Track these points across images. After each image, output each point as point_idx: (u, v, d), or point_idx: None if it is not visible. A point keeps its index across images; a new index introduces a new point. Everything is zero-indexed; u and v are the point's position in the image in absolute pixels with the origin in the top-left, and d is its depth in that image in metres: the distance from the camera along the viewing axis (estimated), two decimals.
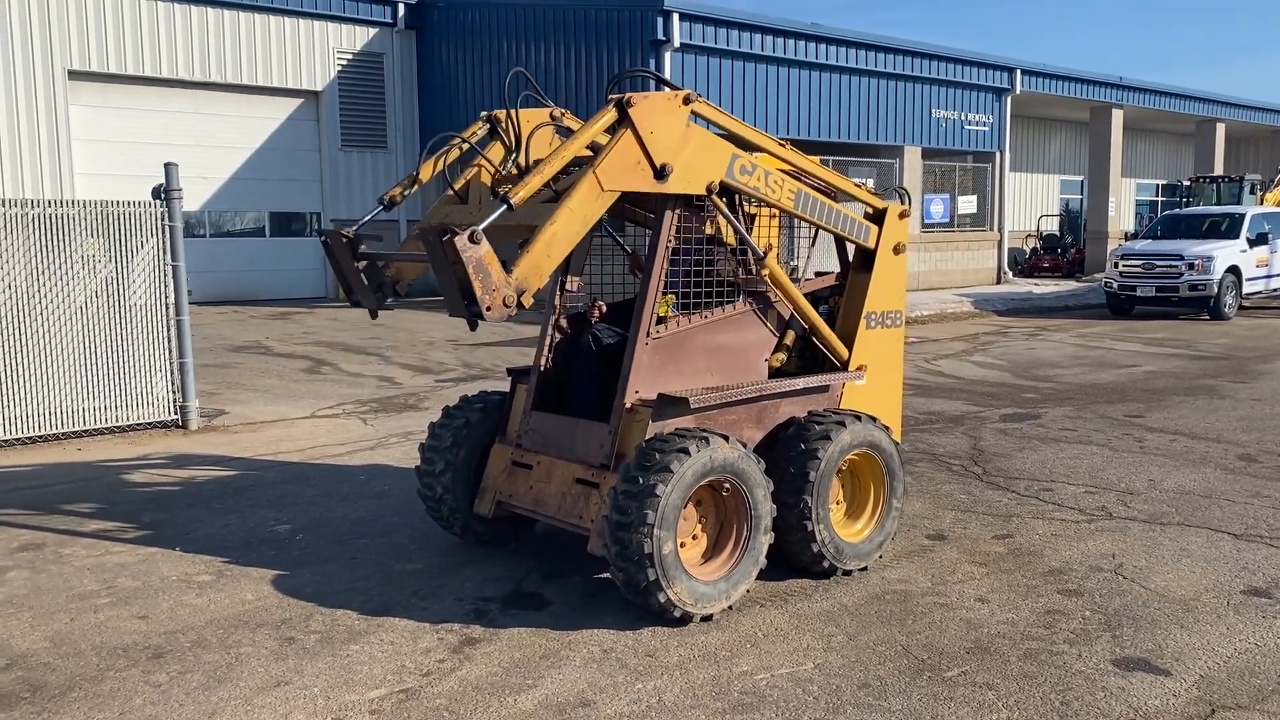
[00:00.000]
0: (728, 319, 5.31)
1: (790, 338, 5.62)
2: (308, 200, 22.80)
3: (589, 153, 4.76)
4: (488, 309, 4.11)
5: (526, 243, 4.32)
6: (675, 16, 17.53)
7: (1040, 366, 12.67)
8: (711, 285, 5.30)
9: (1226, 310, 18.19)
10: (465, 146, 5.35)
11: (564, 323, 5.69)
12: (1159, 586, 5.06)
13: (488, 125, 5.40)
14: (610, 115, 4.67)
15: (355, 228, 5.24)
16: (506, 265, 4.19)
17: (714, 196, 5.01)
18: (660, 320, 5.07)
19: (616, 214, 5.66)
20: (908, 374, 12.03)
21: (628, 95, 4.70)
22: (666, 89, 4.92)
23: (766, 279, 5.29)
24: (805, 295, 5.63)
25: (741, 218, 5.90)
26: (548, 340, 5.62)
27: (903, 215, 5.90)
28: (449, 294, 4.20)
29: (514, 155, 5.11)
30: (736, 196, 5.75)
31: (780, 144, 5.47)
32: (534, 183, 4.45)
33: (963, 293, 21.79)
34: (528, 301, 4.27)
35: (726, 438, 4.73)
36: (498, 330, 15.77)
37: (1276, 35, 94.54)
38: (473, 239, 4.05)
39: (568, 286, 5.70)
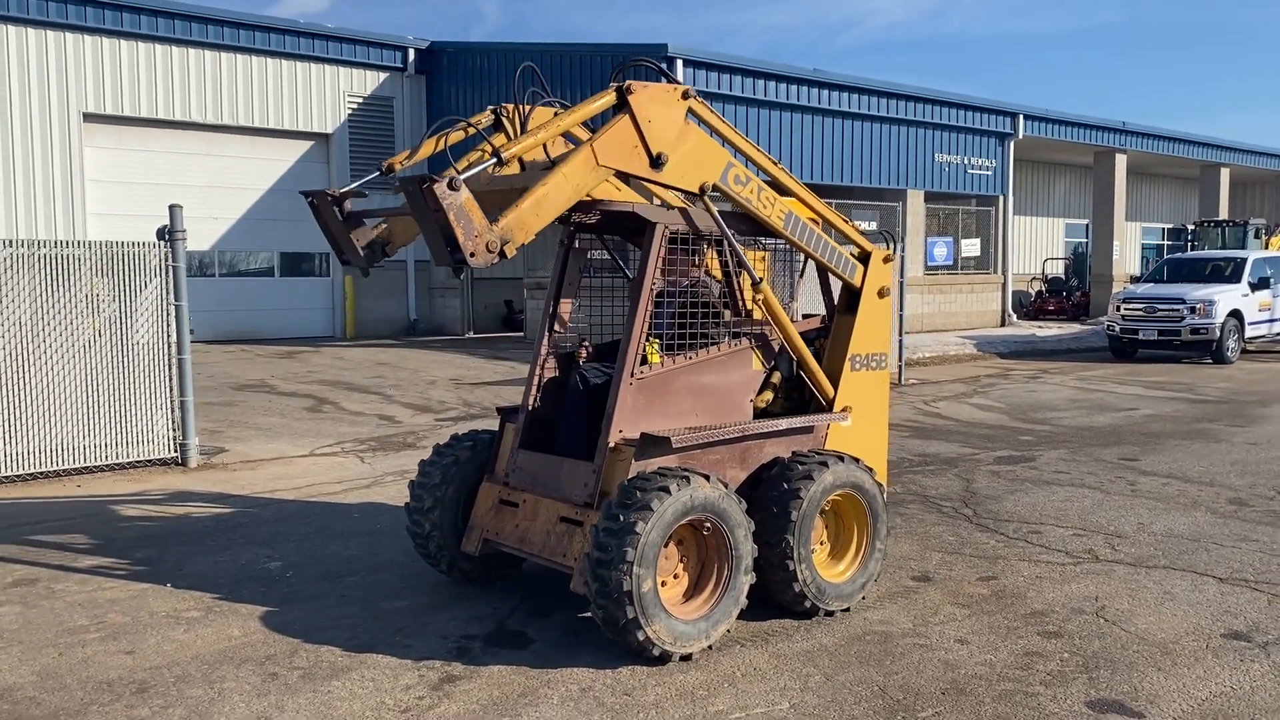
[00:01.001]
0: (712, 360, 5.39)
1: (776, 378, 5.70)
2: (316, 240, 22.77)
3: (587, 132, 4.88)
4: (471, 254, 4.17)
5: (516, 200, 4.40)
6: (680, 63, 17.82)
7: (1039, 409, 12.70)
8: (696, 326, 5.39)
9: (1229, 354, 18.20)
10: (470, 130, 5.43)
11: (552, 363, 5.77)
12: (1139, 629, 5.08)
13: (494, 116, 5.52)
14: (609, 98, 4.80)
15: (345, 189, 5.30)
16: (493, 218, 4.24)
17: (706, 198, 5.11)
18: (645, 361, 5.16)
19: (610, 232, 5.78)
20: (906, 416, 12.07)
21: (628, 83, 4.82)
22: (666, 81, 5.06)
23: (760, 304, 5.37)
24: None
25: (731, 257, 6.02)
26: (536, 380, 5.70)
27: (887, 259, 5.99)
28: (433, 243, 4.24)
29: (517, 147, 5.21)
30: (728, 243, 5.87)
31: (773, 162, 5.58)
32: (527, 143, 4.59)
33: (966, 335, 21.84)
34: (510, 252, 4.32)
35: (707, 477, 4.79)
36: (500, 369, 15.89)
37: None
38: (452, 186, 4.11)
39: (555, 327, 5.80)
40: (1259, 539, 6.70)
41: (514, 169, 5.10)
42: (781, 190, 5.61)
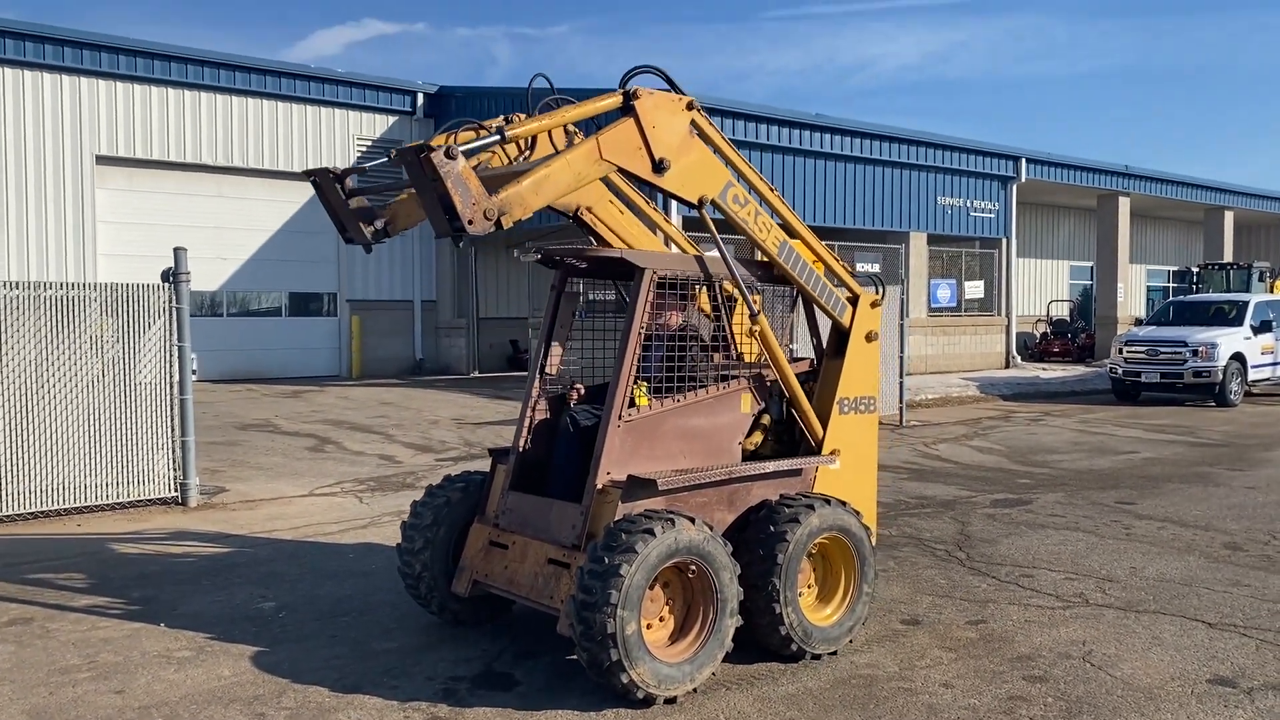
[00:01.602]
0: (701, 402, 5.45)
1: (766, 420, 5.76)
2: (325, 280, 23.29)
3: (594, 127, 5.02)
4: (469, 222, 4.27)
5: (516, 177, 4.51)
6: None
7: (1038, 452, 12.70)
8: (685, 370, 5.45)
9: (1232, 397, 18.18)
10: (481, 132, 5.50)
11: (543, 405, 5.84)
12: (1125, 674, 5.08)
13: (504, 121, 5.61)
14: (616, 100, 4.94)
15: (347, 167, 5.37)
16: (490, 189, 4.35)
17: (703, 211, 5.23)
18: (633, 403, 5.22)
19: (600, 276, 5.89)
20: (906, 457, 12.10)
21: (635, 88, 4.98)
22: (673, 90, 5.21)
23: (756, 337, 5.46)
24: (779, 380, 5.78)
25: (722, 300, 6.11)
26: (527, 421, 5.77)
27: (874, 304, 6.07)
28: (433, 213, 4.34)
29: (526, 154, 5.32)
30: (718, 287, 5.96)
31: (769, 187, 5.69)
32: (531, 126, 4.71)
33: (969, 377, 21.86)
34: (506, 223, 4.42)
35: (693, 520, 4.84)
36: (502, 409, 15.96)
37: None
38: (448, 154, 4.22)
39: (548, 369, 5.87)
40: (1251, 584, 6.70)
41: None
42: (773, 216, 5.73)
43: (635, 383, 5.26)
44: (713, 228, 5.31)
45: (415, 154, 4.26)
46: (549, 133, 5.40)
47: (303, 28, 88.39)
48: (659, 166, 4.98)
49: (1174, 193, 29.72)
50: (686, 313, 5.72)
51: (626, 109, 4.91)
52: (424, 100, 23.88)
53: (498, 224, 4.37)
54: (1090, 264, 32.39)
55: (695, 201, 5.21)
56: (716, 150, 5.39)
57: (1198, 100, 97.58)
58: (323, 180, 5.24)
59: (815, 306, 5.94)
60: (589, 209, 5.67)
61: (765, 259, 5.71)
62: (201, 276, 20.01)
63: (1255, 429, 15.08)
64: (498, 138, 4.61)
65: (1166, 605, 6.23)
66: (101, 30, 25.66)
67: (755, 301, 6.10)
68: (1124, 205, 27.85)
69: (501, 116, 5.66)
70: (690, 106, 5.16)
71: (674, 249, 6.26)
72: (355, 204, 5.28)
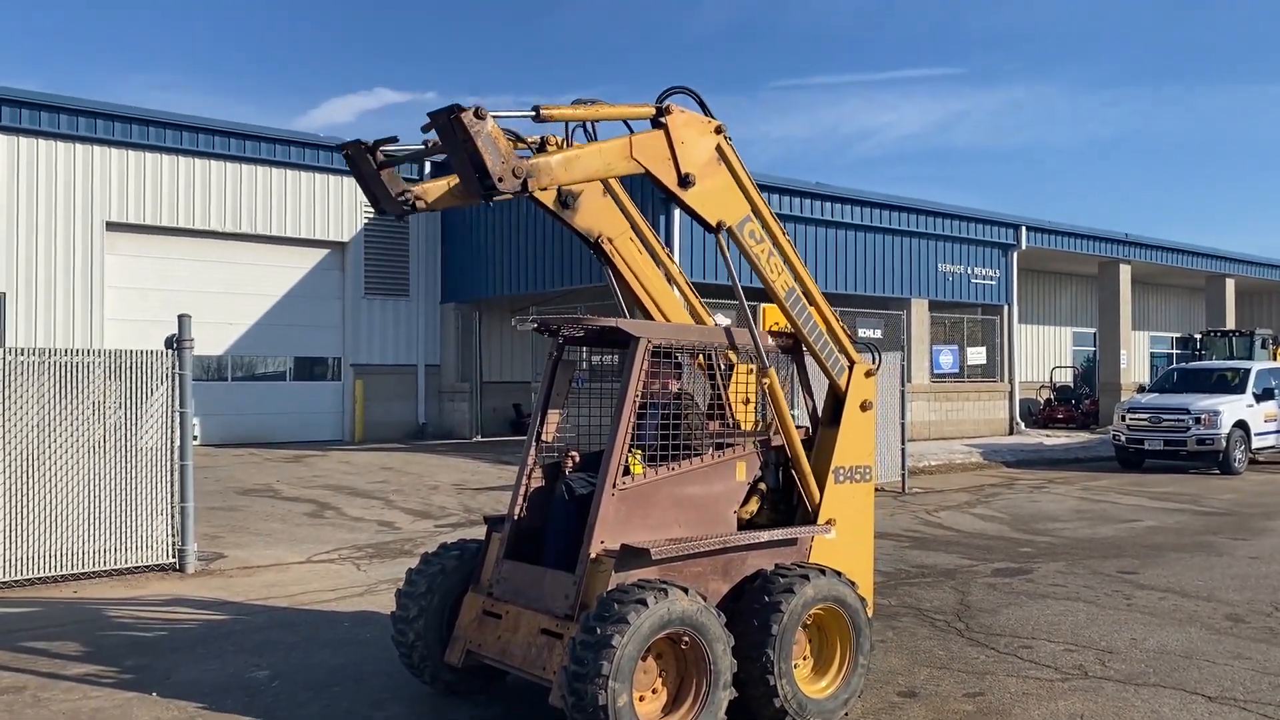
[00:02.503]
0: (696, 470, 5.47)
1: (762, 488, 5.77)
2: (330, 345, 23.43)
3: (625, 126, 5.23)
4: (499, 180, 4.46)
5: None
6: None
7: (1041, 520, 12.64)
8: (680, 438, 5.49)
9: (1236, 465, 18.12)
10: (518, 145, 5.57)
11: (539, 472, 5.87)
12: None
13: (540, 141, 5.72)
14: (648, 110, 5.15)
15: (379, 139, 5.43)
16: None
17: (720, 236, 5.40)
18: (628, 471, 5.24)
19: (596, 344, 5.97)
20: (907, 525, 12.04)
21: (667, 104, 5.21)
22: (703, 113, 5.41)
23: (765, 388, 5.52)
24: (775, 448, 5.81)
25: (718, 367, 6.17)
26: (522, 489, 5.79)
27: (868, 374, 6.11)
28: (463, 172, 4.52)
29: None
30: (715, 355, 6.03)
31: (781, 230, 5.78)
32: (566, 111, 4.87)
33: (973, 443, 21.81)
34: (532, 186, 4.62)
35: (686, 590, 4.83)
36: (504, 474, 15.94)
37: None
38: (478, 114, 4.39)
39: (544, 437, 5.90)
40: (1252, 656, 6.63)
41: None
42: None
43: (630, 451, 5.29)
44: (727, 256, 5.43)
45: (447, 115, 4.44)
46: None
47: (315, 96, 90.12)
48: (684, 181, 5.19)
49: (1175, 260, 29.92)
50: (682, 381, 5.77)
51: (657, 123, 5.14)
52: (431, 167, 24.18)
53: (524, 186, 4.56)
54: (1093, 330, 32.49)
55: (714, 224, 5.38)
56: (738, 182, 5.57)
57: (1198, 169, 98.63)
58: (355, 152, 5.34)
59: (814, 362, 5.98)
60: (610, 240, 5.86)
61: (773, 302, 5.78)
62: (208, 341, 20.23)
63: (1259, 497, 15.00)
64: (532, 113, 4.77)
65: (1167, 678, 6.17)
66: (116, 99, 26.19)
67: (745, 381, 6.18)
68: (1125, 272, 28.02)
69: (537, 136, 5.77)
70: (719, 131, 5.38)
71: (677, 293, 6.33)
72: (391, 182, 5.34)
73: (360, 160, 5.32)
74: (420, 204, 5.40)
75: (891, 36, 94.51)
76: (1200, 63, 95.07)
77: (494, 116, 4.49)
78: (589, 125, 5.24)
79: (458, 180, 4.78)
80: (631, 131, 5.22)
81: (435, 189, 5.45)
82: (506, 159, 4.50)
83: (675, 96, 5.40)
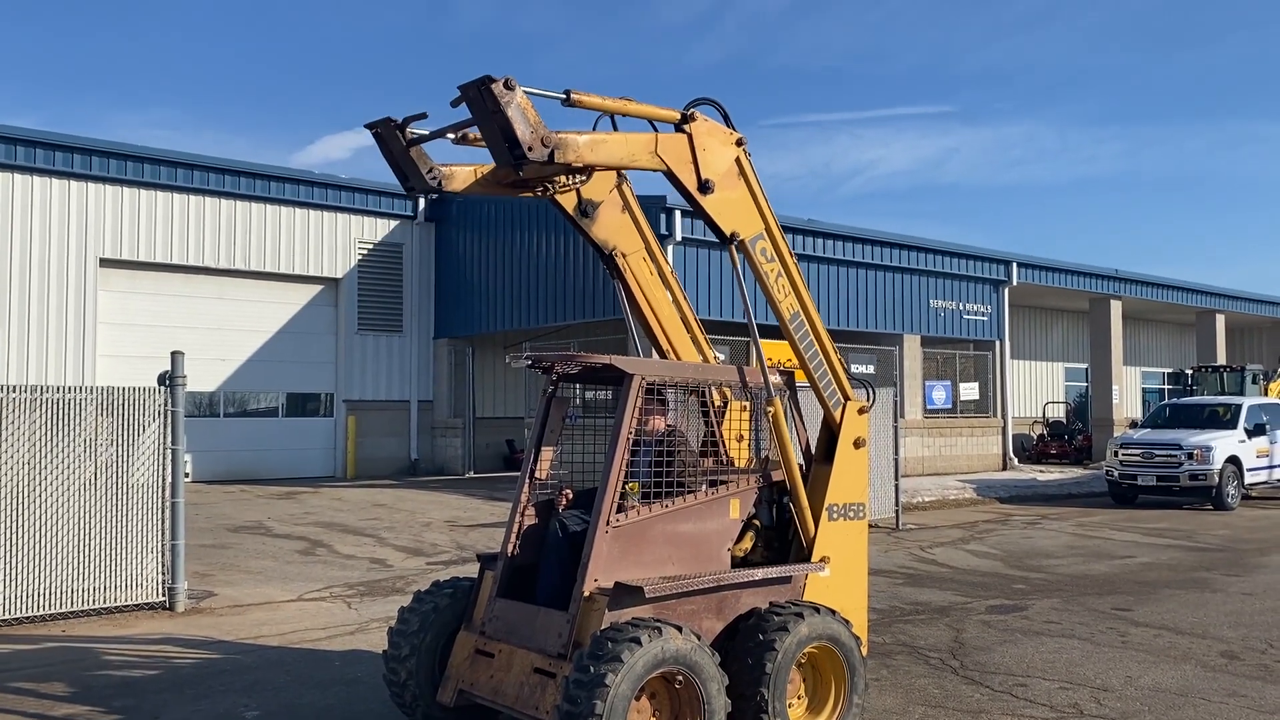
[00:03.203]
0: (689, 508, 5.46)
1: (756, 523, 5.76)
2: (323, 381, 23.39)
3: (650, 125, 5.29)
4: (529, 149, 4.54)
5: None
6: (677, 214, 18.38)
7: (1035, 556, 12.62)
8: (674, 475, 5.48)
9: (1229, 500, 18.13)
10: None
11: (532, 510, 5.85)
12: None
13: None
14: (673, 114, 5.27)
15: (407, 116, 5.44)
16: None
17: (732, 248, 5.51)
18: (621, 509, 5.22)
19: (590, 381, 6.00)
20: (901, 562, 12.01)
21: (692, 111, 5.34)
22: (726, 125, 5.53)
23: (769, 418, 5.55)
24: (768, 485, 5.82)
25: (712, 405, 6.18)
26: (515, 527, 5.77)
27: (861, 411, 6.13)
28: (493, 143, 4.59)
29: (577, 178, 5.49)
30: (709, 394, 6.05)
31: (790, 253, 5.84)
32: (595, 101, 4.95)
33: (966, 479, 21.80)
34: (559, 158, 4.69)
35: (680, 628, 4.81)
36: (496, 511, 15.88)
37: (1275, 229, 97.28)
38: (508, 85, 4.47)
39: (538, 474, 5.90)
40: (1248, 694, 6.61)
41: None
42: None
43: (628, 481, 5.29)
44: (738, 269, 5.49)
45: (477, 87, 4.51)
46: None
47: (309, 133, 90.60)
48: (704, 186, 5.32)
49: (1165, 296, 30.10)
50: (676, 417, 5.78)
51: (681, 128, 5.26)
52: (425, 204, 24.34)
53: (550, 156, 4.64)
54: (1085, 366, 32.60)
55: (728, 234, 5.48)
56: (754, 198, 5.66)
57: (1188, 205, 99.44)
58: (384, 129, 5.37)
59: (812, 392, 5.99)
60: (624, 255, 5.97)
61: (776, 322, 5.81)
62: (200, 377, 20.21)
63: (1252, 533, 15.00)
64: (563, 95, 4.85)
65: (1162, 716, 6.14)
66: (110, 136, 26.29)
67: (740, 419, 6.19)
68: (1116, 308, 28.16)
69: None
70: (739, 144, 5.51)
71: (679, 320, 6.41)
72: (420, 160, 5.36)
73: (390, 138, 5.40)
74: (446, 184, 5.50)
75: (882, 74, 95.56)
76: (1185, 101, 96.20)
77: (525, 91, 4.59)
78: (614, 120, 5.36)
79: (484, 169, 4.86)
80: (656, 131, 5.34)
81: (462, 174, 5.57)
82: (536, 129, 4.60)
83: (701, 107, 5.54)
